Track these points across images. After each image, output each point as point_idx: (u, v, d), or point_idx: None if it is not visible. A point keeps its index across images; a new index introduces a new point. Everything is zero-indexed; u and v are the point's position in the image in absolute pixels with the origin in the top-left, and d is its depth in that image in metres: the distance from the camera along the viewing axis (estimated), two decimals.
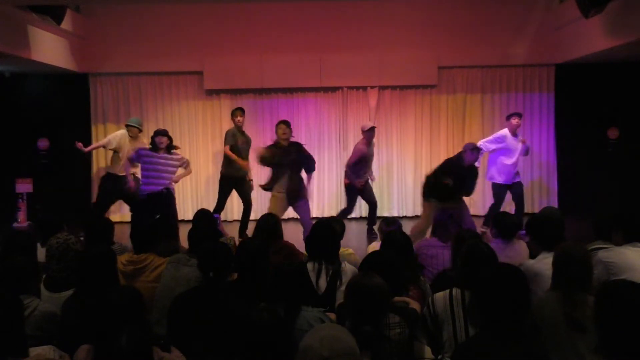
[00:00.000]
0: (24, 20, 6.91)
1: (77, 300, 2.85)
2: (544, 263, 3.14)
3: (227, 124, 8.35)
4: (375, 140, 8.12)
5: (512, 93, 8.97)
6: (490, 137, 7.48)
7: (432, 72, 8.75)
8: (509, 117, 7.46)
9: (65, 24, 7.47)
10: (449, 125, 8.94)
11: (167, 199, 6.47)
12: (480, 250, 2.93)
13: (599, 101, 8.83)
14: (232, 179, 7.31)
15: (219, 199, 7.45)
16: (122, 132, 7.57)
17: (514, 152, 7.30)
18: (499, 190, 7.47)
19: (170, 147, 6.49)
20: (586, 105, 8.86)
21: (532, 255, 3.61)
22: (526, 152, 7.53)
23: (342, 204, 8.97)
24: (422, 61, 8.70)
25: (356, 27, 8.65)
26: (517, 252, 3.91)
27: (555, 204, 8.79)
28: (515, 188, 7.45)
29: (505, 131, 7.40)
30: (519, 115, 7.48)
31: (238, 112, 7.38)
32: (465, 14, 8.65)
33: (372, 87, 8.87)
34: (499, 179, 7.39)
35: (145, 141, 7.50)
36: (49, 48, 7.57)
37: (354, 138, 8.94)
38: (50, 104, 8.84)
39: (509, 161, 7.29)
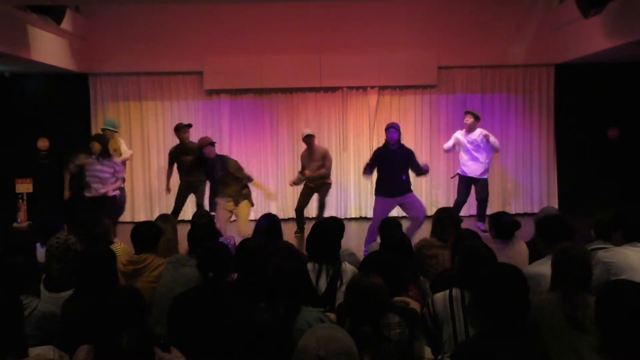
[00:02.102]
0: (24, 20, 6.91)
1: (77, 300, 2.85)
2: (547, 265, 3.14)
3: (227, 124, 8.38)
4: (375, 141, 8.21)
5: (512, 93, 8.97)
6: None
7: (432, 72, 8.75)
8: (465, 113, 7.67)
9: (65, 24, 7.46)
10: (449, 125, 8.93)
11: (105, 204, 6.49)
12: (478, 250, 2.93)
13: (599, 101, 8.83)
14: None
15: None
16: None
17: (467, 148, 7.51)
18: (459, 181, 7.72)
19: (104, 154, 6.53)
20: (586, 105, 8.87)
21: (537, 255, 3.59)
22: (494, 149, 7.54)
23: (342, 204, 9.01)
24: (422, 61, 8.70)
25: (356, 27, 8.65)
26: (517, 252, 3.90)
27: (555, 204, 8.79)
28: (477, 184, 7.61)
29: (458, 131, 7.70)
30: (470, 113, 7.56)
31: (184, 127, 7.43)
32: (465, 14, 8.65)
33: (372, 87, 8.87)
34: (459, 170, 7.73)
35: (120, 141, 7.70)
36: (49, 48, 7.57)
37: (354, 138, 8.97)
38: (50, 104, 8.85)
39: (464, 156, 7.57)
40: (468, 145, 7.53)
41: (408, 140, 8.98)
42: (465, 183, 7.64)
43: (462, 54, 8.76)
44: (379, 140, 8.93)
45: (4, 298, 2.36)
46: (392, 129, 6.31)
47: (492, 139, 7.43)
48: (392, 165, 6.31)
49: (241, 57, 8.66)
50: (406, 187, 6.37)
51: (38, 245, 4.05)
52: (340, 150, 8.97)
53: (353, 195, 9.00)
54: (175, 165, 7.56)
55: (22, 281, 2.80)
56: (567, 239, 3.15)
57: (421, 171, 6.45)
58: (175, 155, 7.50)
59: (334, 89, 8.93)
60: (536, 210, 8.32)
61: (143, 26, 8.61)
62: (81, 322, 2.62)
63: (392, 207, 6.47)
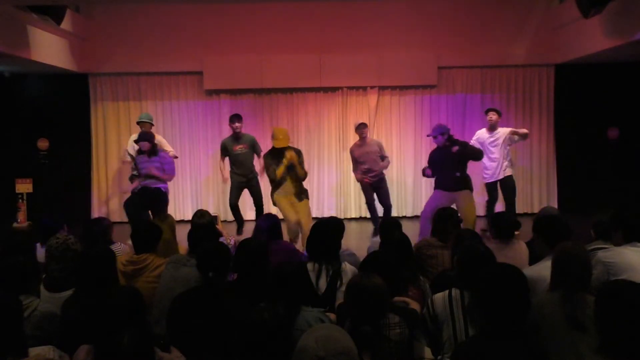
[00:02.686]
0: (24, 20, 6.91)
1: (77, 300, 2.85)
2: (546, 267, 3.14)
3: (227, 124, 8.36)
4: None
5: (512, 93, 8.97)
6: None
7: (432, 72, 8.75)
8: (486, 112, 7.40)
9: (65, 24, 7.46)
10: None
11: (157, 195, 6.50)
12: (477, 250, 2.93)
13: (599, 101, 8.83)
14: (238, 182, 7.32)
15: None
16: (131, 137, 7.57)
17: (490, 148, 7.24)
18: (487, 188, 7.50)
19: (152, 152, 6.64)
20: (586, 105, 8.87)
21: (537, 255, 3.59)
22: (524, 138, 7.26)
23: (342, 204, 9.01)
24: (422, 61, 8.70)
25: (356, 27, 8.65)
26: (517, 252, 3.90)
27: (555, 204, 8.79)
28: (503, 182, 7.36)
29: (481, 130, 7.43)
30: (494, 111, 7.33)
31: (234, 118, 7.28)
32: (465, 14, 8.66)
33: (372, 87, 8.87)
34: (485, 178, 7.45)
35: (159, 137, 7.53)
36: (49, 48, 7.57)
37: (354, 138, 8.93)
38: (50, 104, 8.85)
39: (486, 158, 7.23)
40: (489, 147, 7.22)
41: (407, 140, 9.03)
42: (494, 185, 7.38)
43: (462, 54, 8.76)
44: (379, 140, 8.95)
45: (4, 298, 2.36)
46: (431, 137, 6.50)
47: (520, 131, 7.18)
48: (443, 162, 6.39)
49: (241, 57, 8.66)
50: (460, 184, 6.32)
51: (38, 245, 4.05)
52: (340, 150, 8.96)
53: (353, 195, 8.99)
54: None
55: (22, 281, 2.80)
56: (564, 239, 3.15)
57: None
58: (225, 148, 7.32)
59: (334, 89, 8.92)
60: (536, 210, 8.32)
61: (143, 26, 8.61)
62: (81, 322, 2.62)
63: (443, 201, 6.32)
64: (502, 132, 7.28)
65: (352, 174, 9.02)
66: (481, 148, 6.97)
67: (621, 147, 8.87)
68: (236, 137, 7.28)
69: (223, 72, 8.68)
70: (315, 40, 8.67)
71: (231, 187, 7.39)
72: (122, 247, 4.18)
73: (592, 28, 7.31)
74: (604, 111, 8.86)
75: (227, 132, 8.94)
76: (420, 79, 8.80)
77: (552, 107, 8.97)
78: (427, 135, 6.66)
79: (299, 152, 6.17)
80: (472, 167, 6.73)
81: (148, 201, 6.22)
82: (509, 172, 7.31)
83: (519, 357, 2.06)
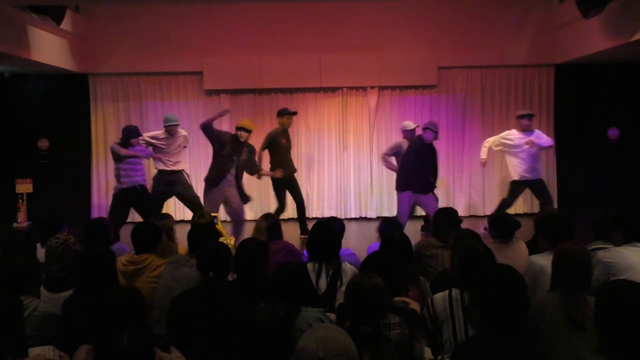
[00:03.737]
0: (24, 21, 6.91)
1: (77, 300, 2.85)
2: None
3: (227, 125, 8.36)
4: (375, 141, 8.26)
5: (511, 93, 8.97)
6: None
7: (432, 72, 8.75)
8: (521, 117, 7.25)
9: (65, 24, 7.46)
10: (448, 126, 8.93)
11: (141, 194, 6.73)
12: (477, 250, 2.93)
13: (599, 101, 8.83)
14: (281, 179, 7.22)
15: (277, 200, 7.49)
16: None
17: (522, 149, 7.14)
18: (512, 187, 7.37)
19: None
20: (586, 105, 8.87)
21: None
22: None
23: (342, 204, 9.00)
24: (422, 61, 8.70)
25: (356, 27, 8.65)
26: (516, 252, 3.90)
27: (555, 204, 8.78)
28: (537, 183, 7.30)
29: (511, 132, 7.33)
30: (528, 116, 7.22)
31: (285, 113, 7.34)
32: (465, 14, 8.65)
33: (371, 88, 8.87)
34: (513, 176, 7.31)
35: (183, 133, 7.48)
36: (49, 48, 7.58)
37: (354, 138, 8.96)
38: (50, 104, 8.85)
39: (523, 159, 7.14)
40: (523, 147, 7.09)
41: None
42: (522, 185, 7.29)
43: (462, 54, 8.76)
44: (379, 140, 8.96)
45: (4, 298, 2.37)
46: (428, 130, 6.61)
47: (540, 141, 7.17)
48: (422, 163, 6.65)
49: (241, 57, 8.66)
50: (430, 188, 6.77)
51: (38, 245, 4.05)
52: (340, 150, 8.96)
53: (353, 195, 8.99)
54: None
55: (22, 281, 2.80)
56: (568, 238, 3.15)
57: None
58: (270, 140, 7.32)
59: (334, 89, 8.93)
60: (536, 210, 8.32)
61: (143, 26, 8.61)
62: (81, 322, 2.62)
63: (412, 202, 6.75)
64: (537, 135, 7.19)
65: (352, 174, 9.05)
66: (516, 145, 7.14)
67: (621, 147, 8.87)
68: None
69: (223, 72, 8.68)
70: (315, 40, 8.67)
71: None
72: (122, 247, 4.18)
73: (592, 28, 7.31)
74: (604, 111, 8.87)
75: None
76: (420, 79, 8.81)
77: (552, 107, 8.97)
78: (424, 129, 6.66)
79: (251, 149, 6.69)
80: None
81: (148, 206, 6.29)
82: (541, 174, 7.36)
83: (519, 357, 2.06)
